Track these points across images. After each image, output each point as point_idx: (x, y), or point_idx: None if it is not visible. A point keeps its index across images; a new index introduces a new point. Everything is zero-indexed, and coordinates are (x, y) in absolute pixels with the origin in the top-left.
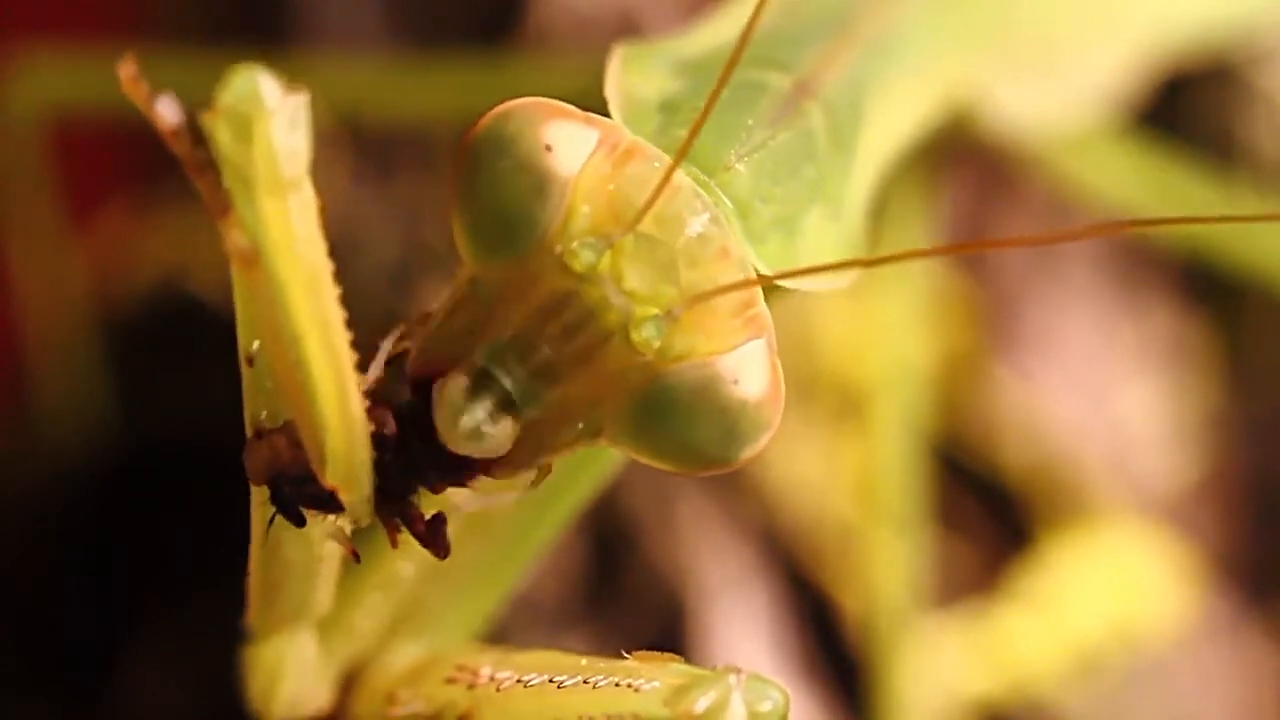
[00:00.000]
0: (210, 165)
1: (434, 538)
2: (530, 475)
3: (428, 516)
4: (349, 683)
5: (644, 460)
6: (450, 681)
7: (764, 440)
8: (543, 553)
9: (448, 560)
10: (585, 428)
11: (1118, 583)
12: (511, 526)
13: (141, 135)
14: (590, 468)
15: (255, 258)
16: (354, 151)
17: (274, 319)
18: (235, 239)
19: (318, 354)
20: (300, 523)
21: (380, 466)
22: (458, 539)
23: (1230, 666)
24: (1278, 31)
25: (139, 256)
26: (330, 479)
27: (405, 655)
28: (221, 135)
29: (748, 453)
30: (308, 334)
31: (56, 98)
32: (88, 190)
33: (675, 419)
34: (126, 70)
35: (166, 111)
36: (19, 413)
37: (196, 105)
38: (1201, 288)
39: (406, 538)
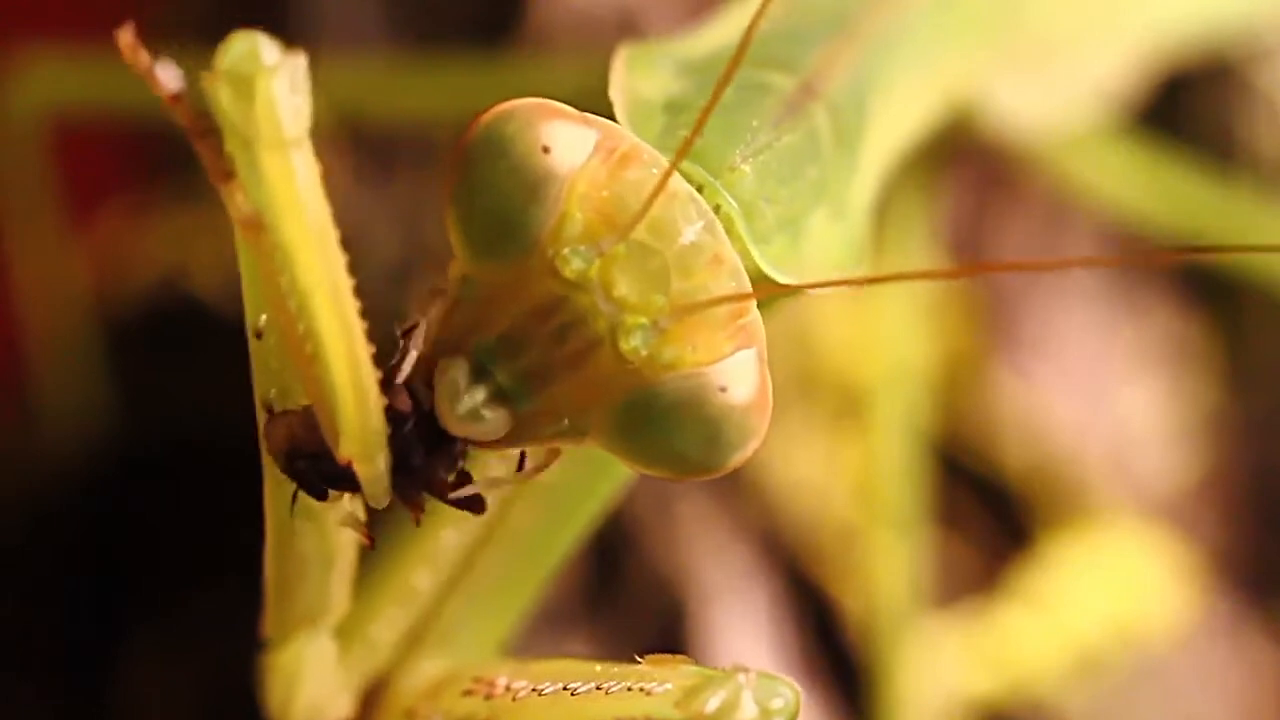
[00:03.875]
0: (212, 131)
1: (464, 498)
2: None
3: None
4: (370, 698)
5: (630, 465)
6: (468, 694)
7: (751, 447)
8: (561, 565)
9: (466, 574)
10: (572, 428)
11: (1118, 583)
12: (529, 540)
13: (141, 135)
14: (606, 480)
15: (260, 222)
16: (354, 151)
17: (280, 285)
18: (239, 204)
19: (327, 315)
20: (322, 496)
21: (397, 444)
22: (474, 553)
23: (1230, 666)
24: (1278, 31)
25: (139, 256)
26: (345, 451)
27: (425, 671)
28: (223, 97)
29: (734, 460)
30: (316, 293)
31: (56, 98)
32: (88, 190)
33: (661, 426)
34: (125, 38)
35: (166, 77)
36: (19, 413)
37: (204, 73)
38: (1201, 288)
39: (430, 529)
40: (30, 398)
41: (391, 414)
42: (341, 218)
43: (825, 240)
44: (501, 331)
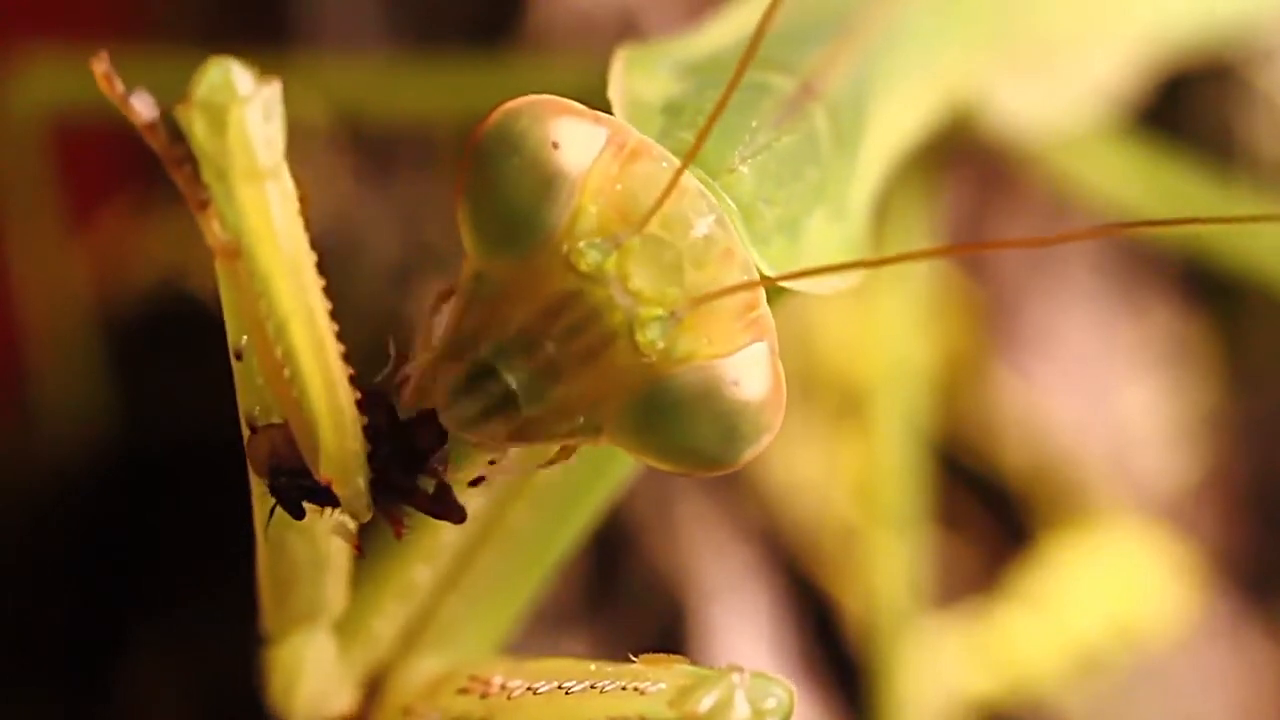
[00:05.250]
0: (187, 159)
1: (444, 507)
2: (539, 458)
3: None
4: (369, 693)
5: (643, 460)
6: (464, 692)
7: (765, 442)
8: (560, 563)
9: (464, 572)
10: (585, 425)
11: (1118, 583)
12: (527, 538)
13: (141, 135)
14: (605, 478)
15: (236, 250)
16: (354, 151)
17: (258, 311)
18: (215, 232)
19: (303, 343)
20: (299, 515)
21: (376, 460)
22: (473, 550)
23: (1230, 666)
24: (1278, 31)
25: (139, 256)
26: (324, 472)
27: (423, 669)
28: (196, 127)
29: (748, 454)
30: (291, 322)
31: (56, 98)
32: (88, 190)
33: (676, 420)
34: (99, 66)
35: (141, 106)
36: (19, 413)
37: (179, 103)
38: (1201, 288)
39: (429, 526)
40: (30, 398)
41: (371, 431)
42: (341, 218)
43: (824, 241)
44: (516, 328)
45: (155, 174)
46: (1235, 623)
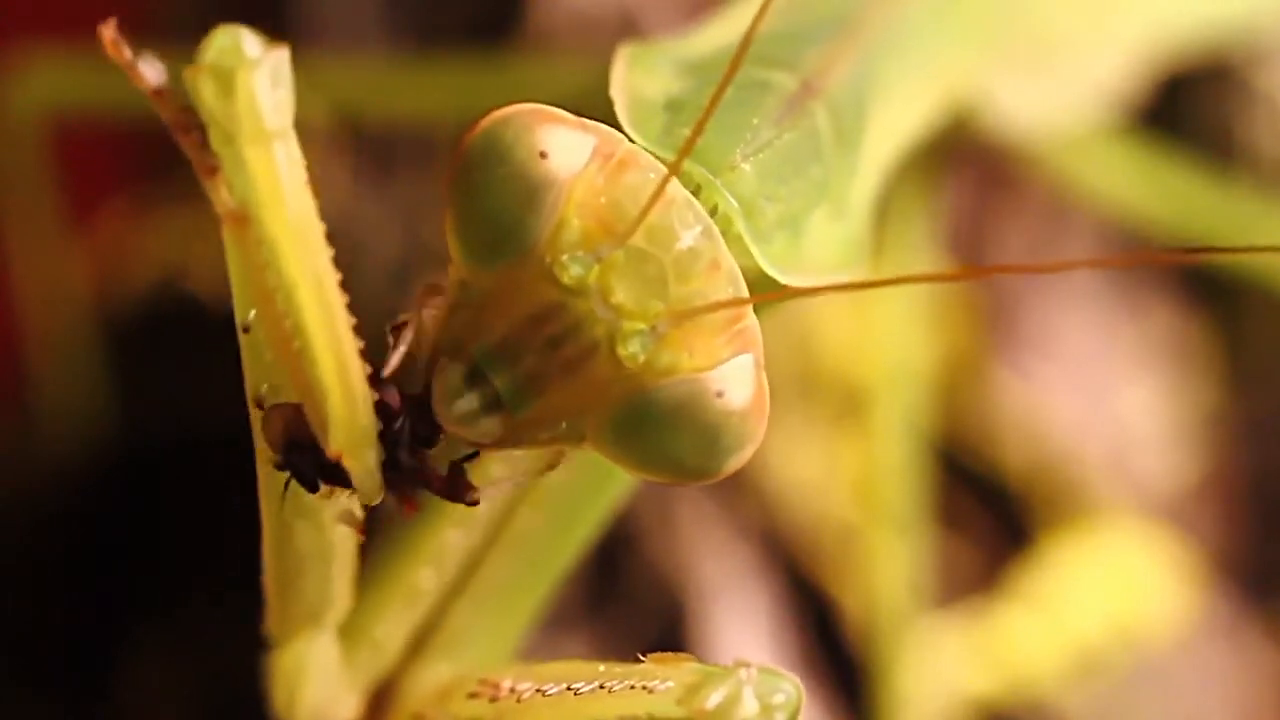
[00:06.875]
0: (195, 125)
1: (455, 488)
2: (534, 459)
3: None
4: (375, 700)
5: (627, 469)
6: (473, 697)
7: (748, 453)
8: (569, 568)
9: (472, 578)
10: (569, 432)
11: (1118, 583)
12: (536, 544)
13: (141, 135)
14: (612, 484)
15: (245, 216)
16: (354, 151)
17: (267, 279)
18: (223, 198)
19: (312, 309)
20: (314, 488)
21: (388, 439)
22: (481, 556)
23: (1230, 666)
24: (1278, 31)
25: (139, 256)
26: (334, 445)
27: (433, 675)
28: (205, 91)
29: (731, 465)
30: (301, 287)
31: (56, 98)
32: (88, 190)
33: (658, 431)
34: (108, 33)
35: (149, 71)
36: (19, 413)
37: (188, 67)
38: (1201, 288)
39: (435, 530)
40: (30, 398)
41: (382, 409)
42: (341, 218)
43: (825, 239)
44: (499, 337)
45: (155, 174)
46: (1235, 623)
